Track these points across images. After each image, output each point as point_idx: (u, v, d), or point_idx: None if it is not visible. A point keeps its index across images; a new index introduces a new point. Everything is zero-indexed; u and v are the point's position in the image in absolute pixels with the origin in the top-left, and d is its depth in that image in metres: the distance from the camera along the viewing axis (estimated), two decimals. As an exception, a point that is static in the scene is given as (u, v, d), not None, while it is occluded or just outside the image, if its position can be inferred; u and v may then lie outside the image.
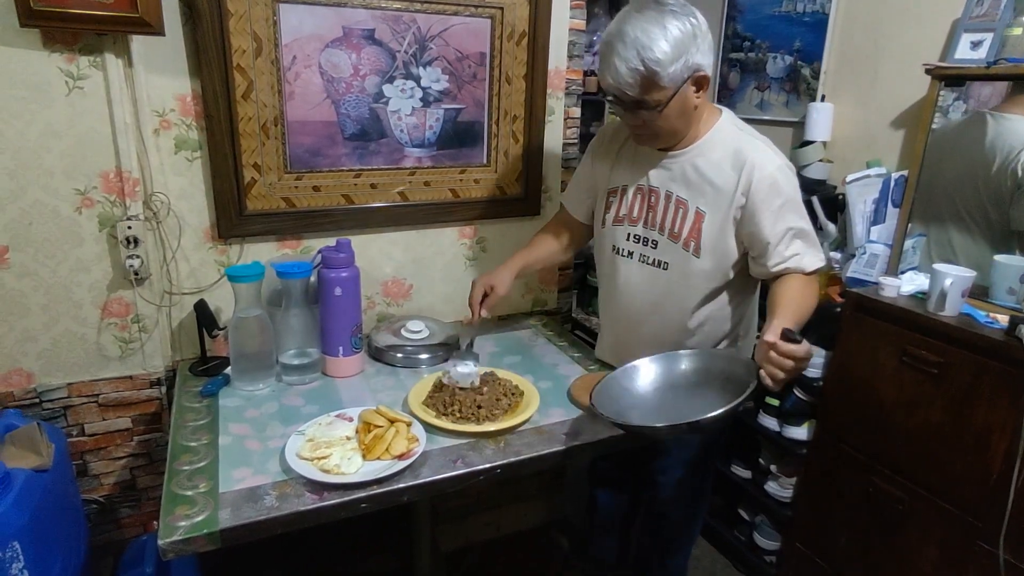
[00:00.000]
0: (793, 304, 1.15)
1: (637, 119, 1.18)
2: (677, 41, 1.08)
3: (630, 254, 1.35)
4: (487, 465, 1.12)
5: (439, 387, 1.31)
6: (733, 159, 1.20)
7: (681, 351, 1.24)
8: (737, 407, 1.01)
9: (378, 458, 1.09)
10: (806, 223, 1.22)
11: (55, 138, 1.29)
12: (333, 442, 1.12)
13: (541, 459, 1.17)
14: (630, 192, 1.33)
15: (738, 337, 1.38)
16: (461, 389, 1.27)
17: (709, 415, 1.00)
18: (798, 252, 1.21)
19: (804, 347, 1.01)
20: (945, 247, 1.67)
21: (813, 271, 1.23)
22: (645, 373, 1.21)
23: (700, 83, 1.15)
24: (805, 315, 1.17)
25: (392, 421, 1.16)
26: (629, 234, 1.34)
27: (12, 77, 1.23)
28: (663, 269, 1.30)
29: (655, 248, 1.31)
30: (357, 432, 1.16)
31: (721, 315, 1.32)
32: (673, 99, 1.13)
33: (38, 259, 1.34)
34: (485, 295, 1.43)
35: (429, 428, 1.19)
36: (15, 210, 1.29)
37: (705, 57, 1.12)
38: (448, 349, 1.53)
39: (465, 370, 1.28)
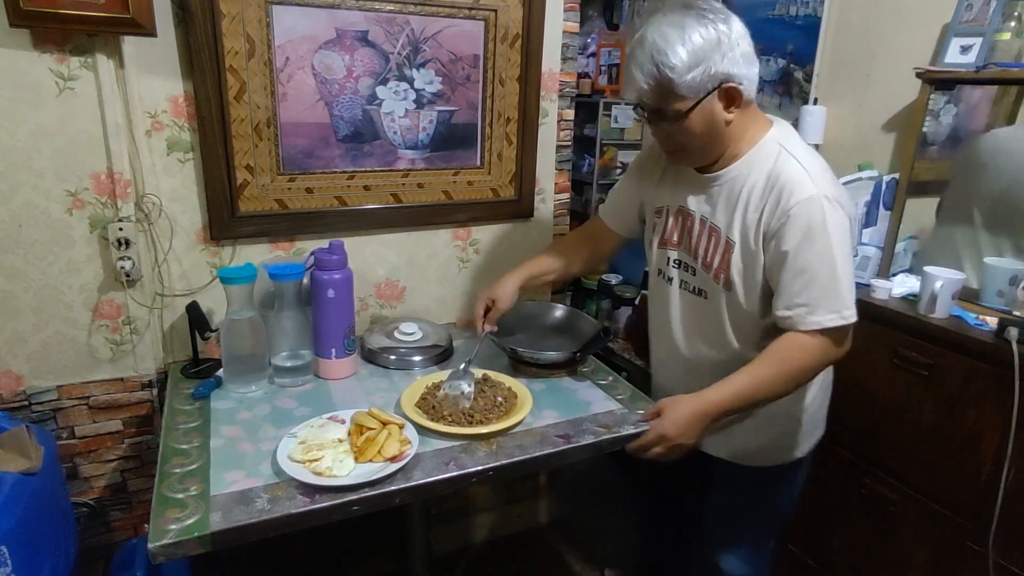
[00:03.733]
0: (747, 379, 1.08)
1: (660, 131, 1.11)
2: (697, 47, 0.99)
3: (670, 280, 1.27)
4: (480, 467, 1.12)
5: (433, 390, 1.31)
6: (766, 182, 1.07)
7: (556, 304, 1.65)
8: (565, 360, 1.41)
9: (370, 460, 1.09)
10: (831, 269, 1.03)
11: (46, 139, 1.28)
12: (325, 444, 1.12)
13: (534, 461, 1.17)
14: (671, 214, 1.24)
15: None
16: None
17: (544, 354, 1.43)
18: (807, 303, 1.05)
19: (650, 435, 1.13)
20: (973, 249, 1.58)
21: (820, 330, 1.05)
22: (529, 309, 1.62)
23: (730, 96, 1.04)
24: (766, 391, 1.09)
25: (384, 423, 1.16)
26: (670, 258, 1.26)
27: (1, 78, 1.22)
28: (703, 298, 1.21)
29: (694, 275, 1.22)
30: (349, 434, 1.15)
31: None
32: (694, 111, 1.04)
33: (28, 260, 1.33)
34: (488, 308, 1.40)
35: (422, 430, 1.18)
36: (5, 211, 1.28)
37: (736, 67, 1.02)
38: (442, 352, 1.53)
39: (459, 391, 1.27)
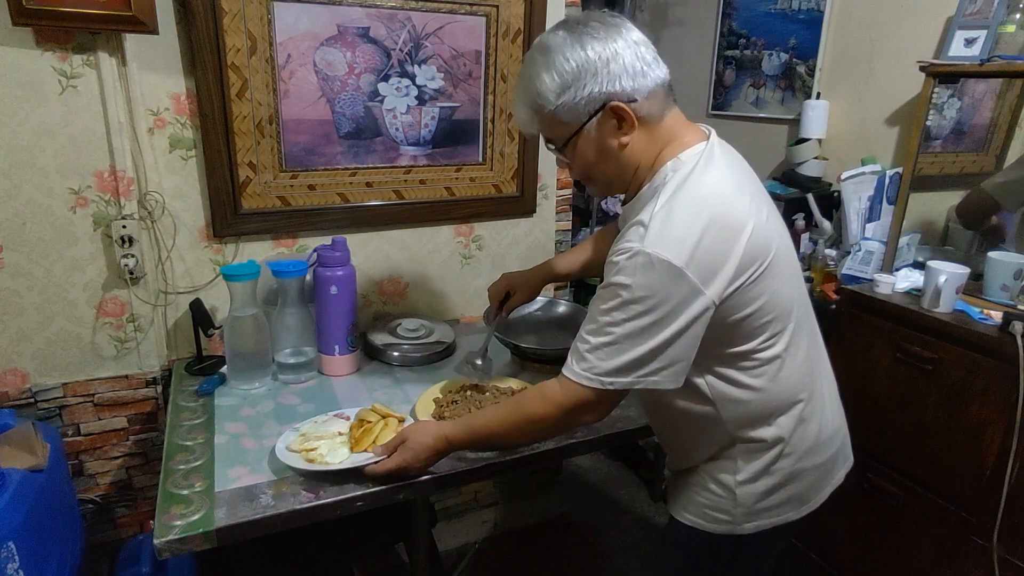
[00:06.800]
0: (484, 419, 1.04)
1: (560, 161, 0.99)
2: (564, 70, 0.88)
3: None
4: (483, 463, 1.12)
5: (449, 396, 1.29)
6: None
7: (559, 300, 1.68)
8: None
9: (365, 450, 1.09)
10: (614, 328, 0.87)
11: (49, 137, 1.28)
12: (324, 436, 1.12)
13: (538, 457, 1.17)
14: None
15: (735, 430, 0.97)
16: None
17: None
18: (577, 350, 0.92)
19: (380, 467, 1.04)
20: None
21: (571, 382, 0.91)
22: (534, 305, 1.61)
23: (619, 116, 0.90)
24: (503, 434, 1.02)
25: (384, 417, 1.16)
26: None
27: (4, 76, 1.22)
28: None
29: None
30: (351, 429, 1.16)
31: (691, 404, 0.98)
32: (580, 137, 0.92)
33: (32, 258, 1.33)
34: (509, 294, 1.35)
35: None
36: (9, 210, 1.29)
37: (617, 84, 0.88)
38: (444, 348, 1.53)
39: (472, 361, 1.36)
